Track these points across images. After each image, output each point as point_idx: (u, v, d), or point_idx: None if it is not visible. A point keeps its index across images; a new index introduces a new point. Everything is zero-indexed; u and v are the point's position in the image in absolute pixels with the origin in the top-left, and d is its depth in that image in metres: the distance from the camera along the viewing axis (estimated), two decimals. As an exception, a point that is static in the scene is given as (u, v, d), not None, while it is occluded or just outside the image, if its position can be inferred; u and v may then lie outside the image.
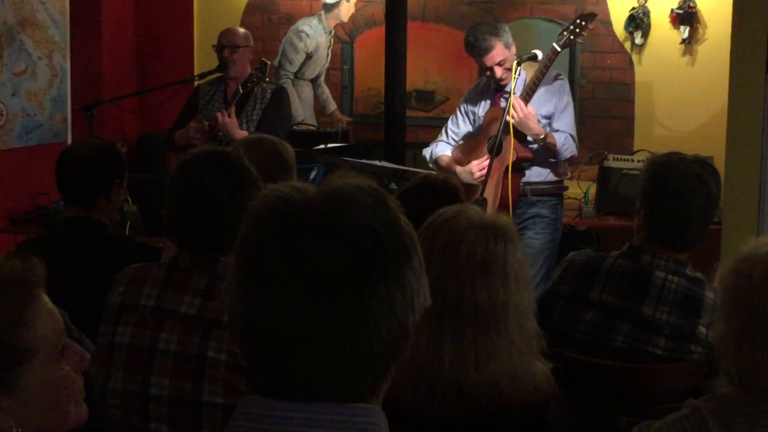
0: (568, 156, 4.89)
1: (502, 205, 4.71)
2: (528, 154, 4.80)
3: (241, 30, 5.51)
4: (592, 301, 2.85)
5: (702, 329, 2.76)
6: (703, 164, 2.87)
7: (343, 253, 1.15)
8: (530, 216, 4.81)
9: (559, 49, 4.70)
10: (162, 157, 6.63)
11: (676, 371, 2.75)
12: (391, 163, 4.77)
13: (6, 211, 5.35)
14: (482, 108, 5.05)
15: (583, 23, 4.71)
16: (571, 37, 4.72)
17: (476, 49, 4.86)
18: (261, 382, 1.21)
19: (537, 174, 4.88)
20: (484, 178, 4.80)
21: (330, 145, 5.53)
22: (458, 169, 4.98)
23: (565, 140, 4.82)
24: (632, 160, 5.59)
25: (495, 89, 5.01)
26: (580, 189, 5.68)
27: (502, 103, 4.87)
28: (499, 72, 4.84)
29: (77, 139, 5.62)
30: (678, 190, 2.81)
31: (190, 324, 2.37)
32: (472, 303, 2.02)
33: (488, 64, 4.85)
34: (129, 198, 4.83)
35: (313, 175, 4.77)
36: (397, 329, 1.18)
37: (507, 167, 4.70)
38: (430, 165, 5.19)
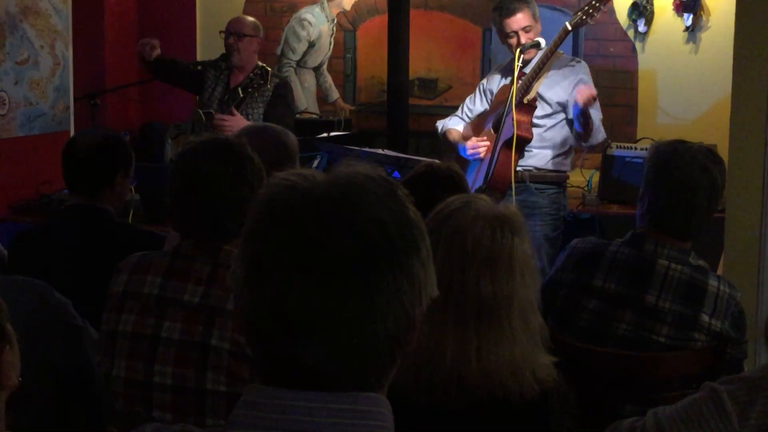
0: (601, 140, 4.79)
1: (495, 181, 4.67)
2: (527, 134, 4.71)
3: (251, 19, 5.49)
4: (595, 289, 2.84)
5: (705, 317, 2.76)
6: (709, 153, 2.86)
7: (351, 243, 1.15)
8: (529, 206, 4.73)
9: (570, 28, 4.66)
10: (165, 146, 6.63)
11: (680, 359, 2.75)
12: (393, 152, 4.77)
13: (9, 200, 5.35)
14: (497, 86, 5.00)
15: (598, 4, 4.66)
16: (584, 17, 4.64)
17: (503, 10, 4.77)
18: (266, 371, 1.20)
19: (538, 159, 4.81)
20: (477, 156, 4.81)
21: (333, 134, 5.54)
22: (460, 142, 4.98)
23: (599, 125, 4.72)
24: (635, 148, 5.58)
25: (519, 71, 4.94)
26: (583, 177, 5.67)
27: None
28: (524, 38, 4.73)
29: (80, 128, 5.62)
30: (683, 180, 2.80)
31: (193, 312, 2.37)
32: (476, 295, 2.01)
33: (514, 27, 4.75)
34: (132, 187, 4.83)
35: (316, 163, 4.77)
36: (403, 320, 1.18)
37: (507, 142, 4.63)
38: (440, 137, 5.17)
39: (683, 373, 2.76)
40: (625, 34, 6.29)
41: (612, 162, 5.54)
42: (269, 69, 5.18)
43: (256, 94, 5.11)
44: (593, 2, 4.66)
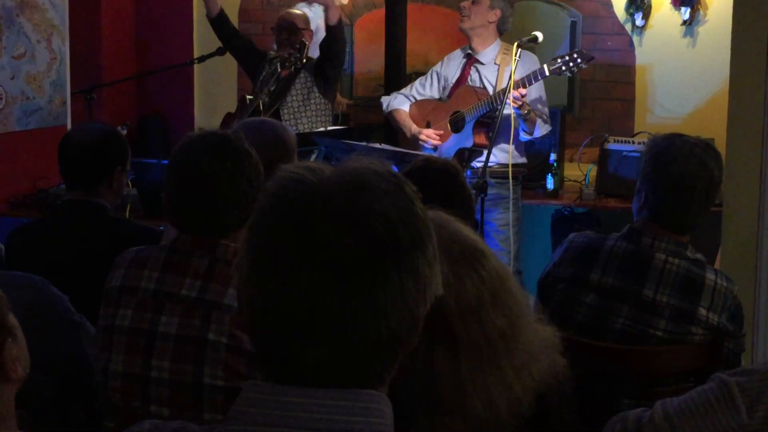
0: (545, 132, 5.07)
1: None
2: (483, 142, 4.91)
3: (299, 12, 5.58)
4: (593, 283, 2.84)
5: (702, 311, 2.76)
6: (706, 147, 2.86)
7: (356, 240, 1.14)
8: (492, 197, 4.88)
9: (547, 73, 4.78)
10: (161, 141, 6.63)
11: (677, 353, 2.75)
12: (391, 146, 4.78)
13: (5, 195, 5.34)
14: (452, 73, 5.21)
15: (579, 60, 4.78)
16: (563, 67, 4.79)
17: None
18: (267, 367, 1.20)
19: (497, 156, 4.97)
20: (427, 146, 5.10)
21: (330, 128, 5.53)
22: (413, 128, 5.21)
23: (542, 119, 5.01)
24: (632, 142, 5.58)
25: (467, 57, 5.16)
26: (580, 171, 5.68)
27: (473, 74, 5.03)
28: (467, 5, 5.01)
29: (77, 122, 5.61)
30: (680, 174, 2.80)
31: (191, 307, 2.37)
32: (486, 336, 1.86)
33: None
34: (129, 181, 4.83)
35: (313, 157, 4.77)
36: (407, 319, 1.18)
37: (460, 150, 4.88)
38: (384, 114, 5.40)
39: (681, 367, 2.77)
40: (623, 28, 6.28)
41: (609, 156, 5.54)
42: (307, 43, 5.37)
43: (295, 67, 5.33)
44: (575, 57, 4.73)
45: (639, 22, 6.20)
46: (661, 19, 6.18)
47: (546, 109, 5.10)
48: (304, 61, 5.32)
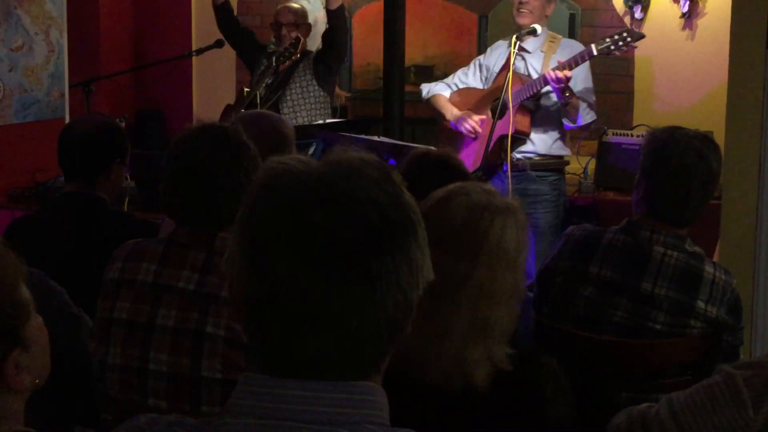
0: (590, 120, 4.92)
1: (488, 167, 4.73)
2: (526, 129, 4.79)
3: (298, 6, 5.59)
4: (591, 276, 2.84)
5: (701, 304, 2.75)
6: (705, 140, 2.86)
7: (350, 228, 1.15)
8: (531, 194, 4.80)
9: (595, 53, 4.67)
10: (160, 133, 6.62)
11: (676, 346, 2.75)
12: (390, 139, 4.77)
13: (4, 188, 5.34)
14: (496, 63, 5.10)
15: (629, 39, 4.67)
16: (611, 47, 4.67)
17: None
18: (263, 359, 1.20)
19: (539, 145, 4.88)
20: (470, 134, 4.94)
21: (328, 121, 5.53)
22: (454, 111, 5.07)
23: (586, 106, 4.87)
24: (631, 135, 5.57)
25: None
26: (579, 164, 5.66)
27: (518, 62, 4.90)
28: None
29: (75, 115, 5.60)
30: (679, 167, 2.80)
31: (188, 299, 2.37)
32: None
33: None
34: (127, 174, 4.82)
35: (311, 150, 4.76)
36: (402, 304, 1.18)
37: (501, 137, 4.74)
38: (423, 101, 5.30)
39: (679, 360, 2.76)
40: (622, 20, 6.27)
41: (608, 149, 5.53)
42: (302, 38, 5.42)
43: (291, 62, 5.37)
44: (625, 35, 4.64)
45: (638, 14, 6.19)
46: (660, 12, 6.17)
47: (593, 97, 4.95)
48: (299, 55, 5.33)
